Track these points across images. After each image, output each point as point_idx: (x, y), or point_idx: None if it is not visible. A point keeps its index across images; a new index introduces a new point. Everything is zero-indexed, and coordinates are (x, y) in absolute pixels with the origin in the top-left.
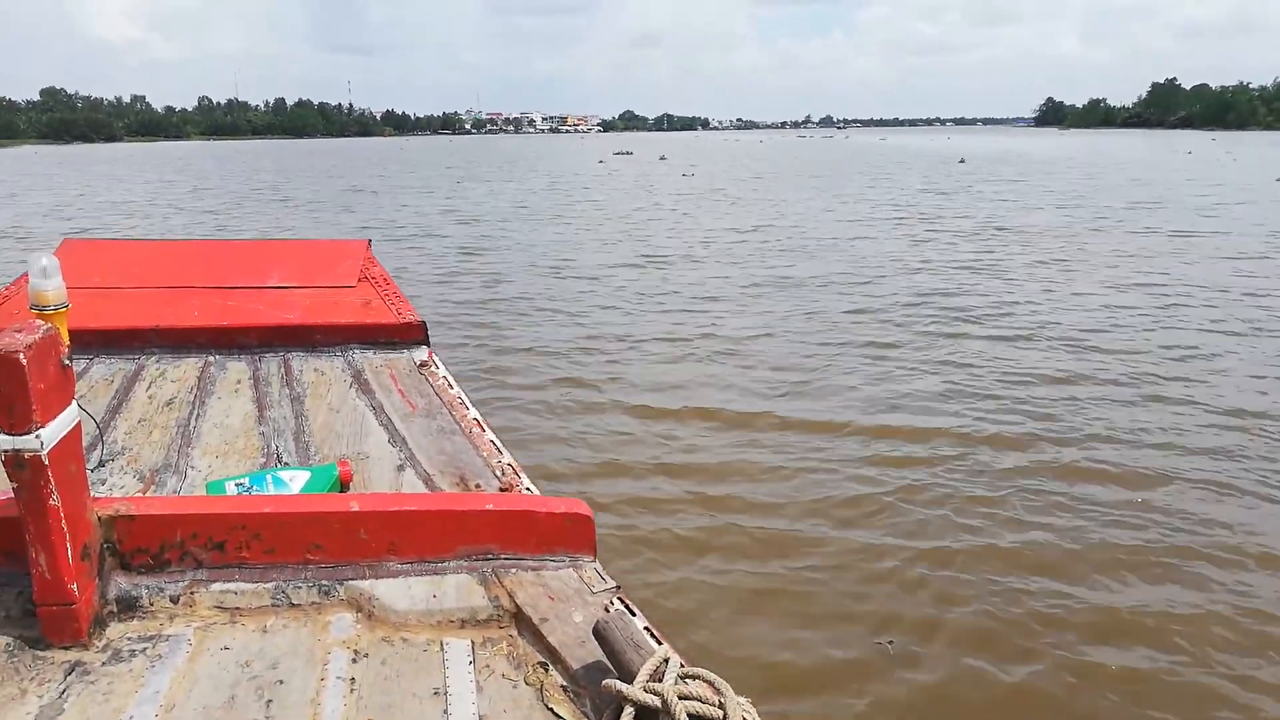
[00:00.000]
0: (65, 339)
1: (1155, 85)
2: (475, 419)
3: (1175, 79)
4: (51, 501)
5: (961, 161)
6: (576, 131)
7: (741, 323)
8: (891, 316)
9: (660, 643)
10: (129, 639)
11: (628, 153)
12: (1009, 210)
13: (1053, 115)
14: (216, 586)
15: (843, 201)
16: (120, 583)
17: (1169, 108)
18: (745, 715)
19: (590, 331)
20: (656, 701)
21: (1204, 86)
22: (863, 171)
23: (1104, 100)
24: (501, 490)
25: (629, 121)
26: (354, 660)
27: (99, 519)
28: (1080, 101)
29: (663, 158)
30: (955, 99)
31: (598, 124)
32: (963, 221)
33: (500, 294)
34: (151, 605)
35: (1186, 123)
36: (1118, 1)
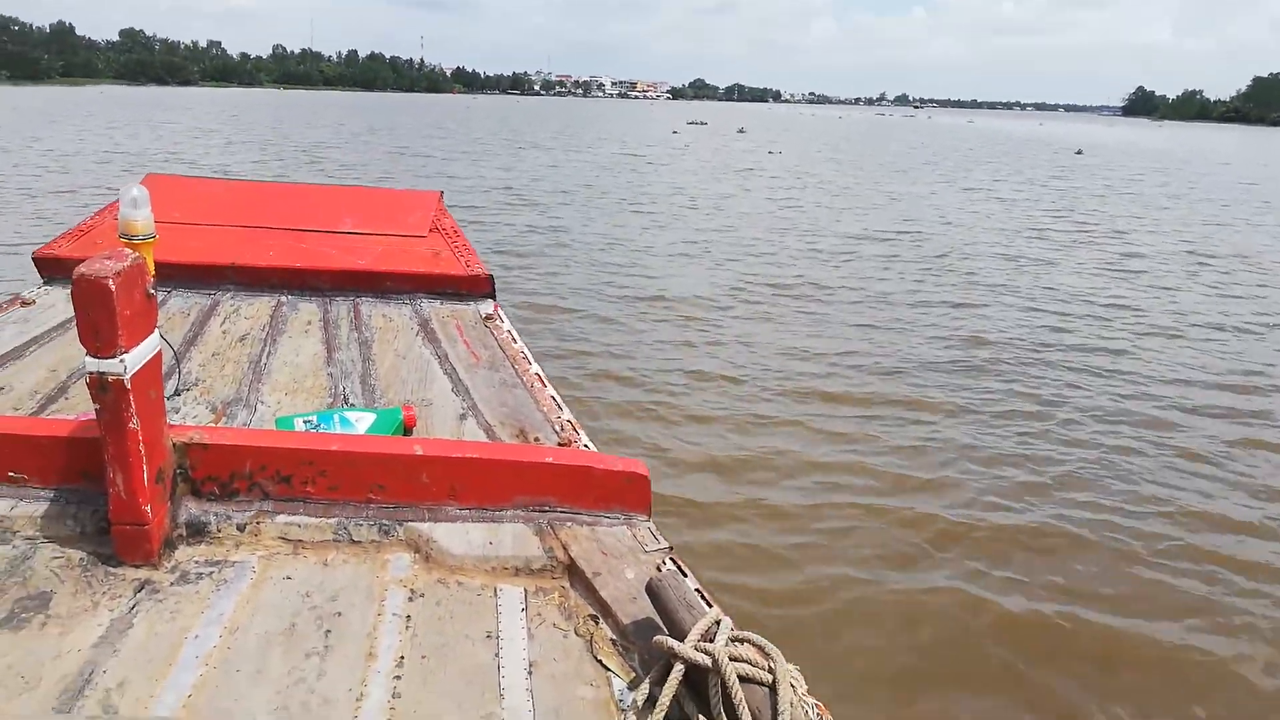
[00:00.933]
0: (151, 269)
1: (1258, 79)
2: (537, 374)
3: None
4: (131, 425)
5: (1079, 153)
6: (645, 97)
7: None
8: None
9: (711, 605)
10: (196, 562)
11: (702, 123)
12: (1200, 225)
13: (1142, 105)
14: (281, 518)
15: (975, 198)
16: (190, 508)
17: (1272, 103)
18: (794, 682)
19: (704, 442)
20: (707, 661)
21: None
22: (970, 158)
23: (1200, 92)
24: (560, 445)
25: (699, 90)
26: (410, 599)
27: (173, 445)
28: (1169, 92)
29: (741, 130)
30: (1035, 83)
31: (667, 91)
32: (1157, 239)
33: (553, 328)
34: (219, 532)
35: None
36: None
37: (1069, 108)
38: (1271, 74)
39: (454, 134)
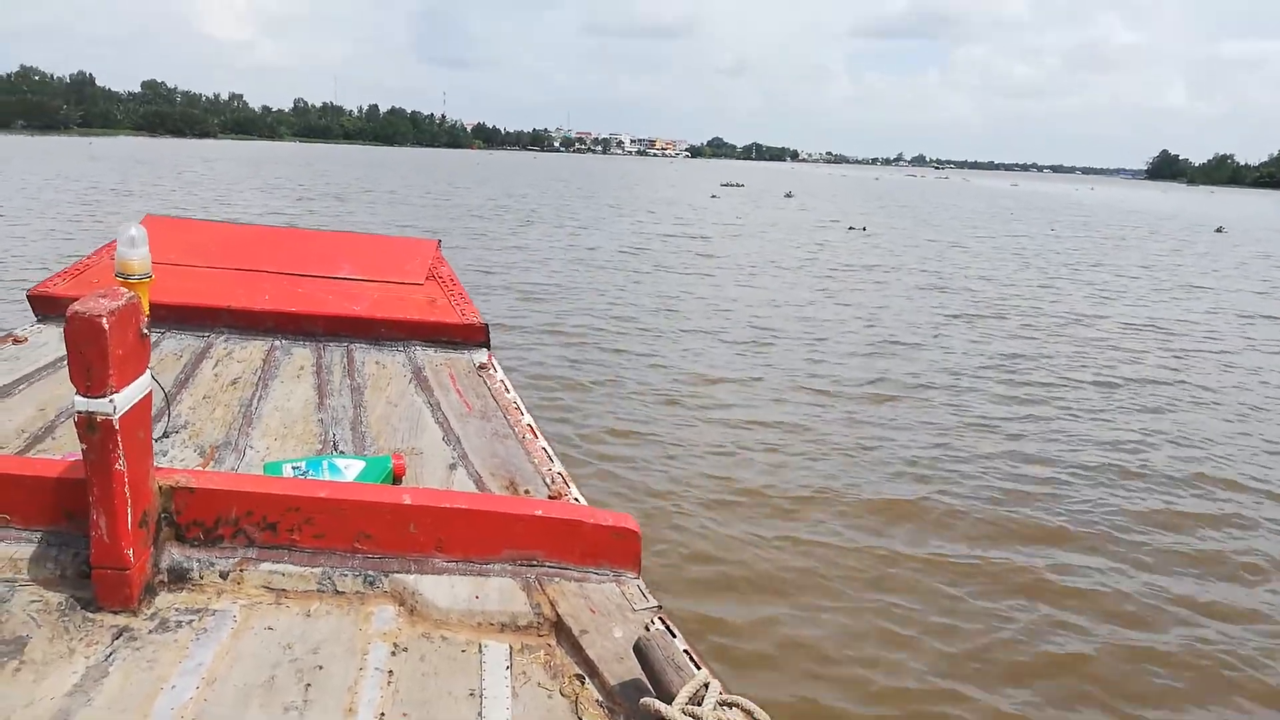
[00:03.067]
0: (146, 309)
1: None
2: (529, 425)
3: None
4: (118, 466)
5: (1220, 231)
6: (665, 155)
7: None
8: None
9: (700, 667)
10: (177, 610)
11: (738, 184)
12: None
13: (1166, 168)
14: (265, 566)
15: (1191, 308)
16: (173, 553)
17: None
18: None
19: None
20: None
21: None
22: (1079, 236)
23: (1232, 156)
24: (551, 498)
25: (717, 148)
26: (393, 653)
27: (159, 488)
28: (1189, 155)
29: (789, 195)
30: (1049, 145)
31: (685, 149)
32: None
33: None
34: (201, 578)
35: None
36: (1225, 51)
37: (1086, 170)
38: None
39: (449, 199)
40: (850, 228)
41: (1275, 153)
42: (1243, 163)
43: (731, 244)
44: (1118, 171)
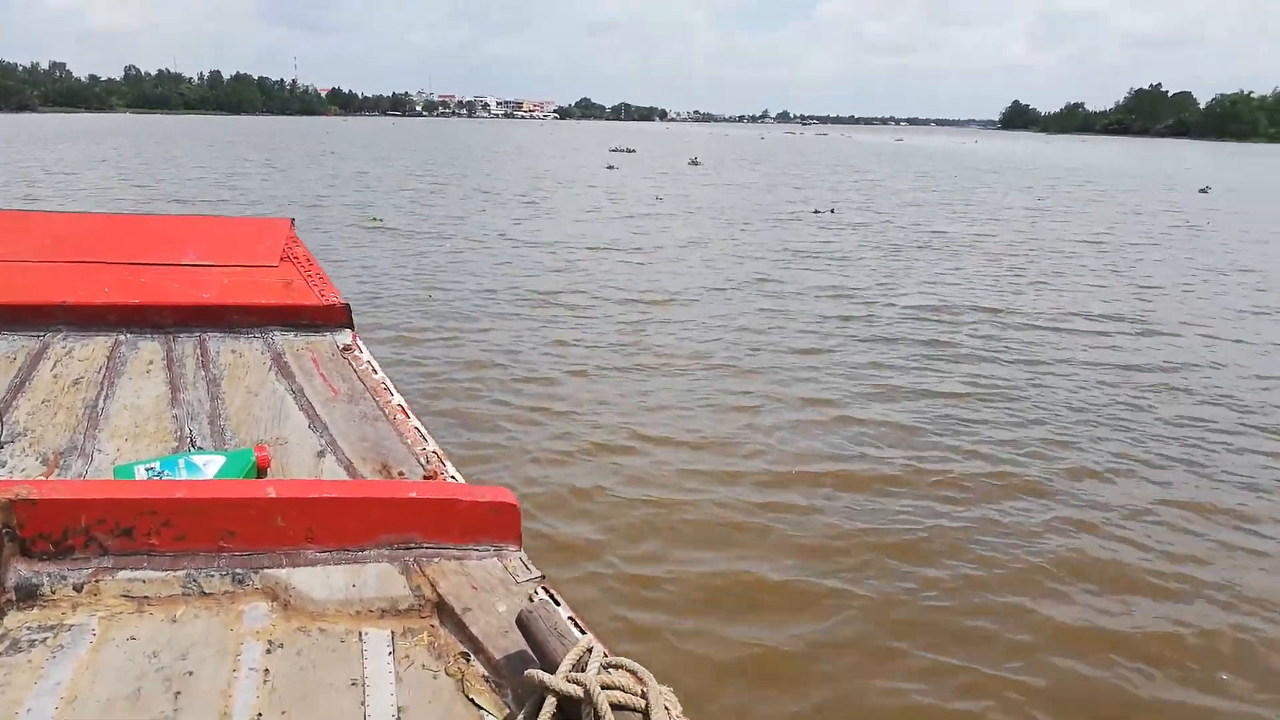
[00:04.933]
0: None
1: (1139, 91)
2: (399, 405)
3: (1160, 84)
4: None
5: (1204, 191)
6: (532, 117)
7: None
8: None
9: (584, 632)
10: (28, 629)
11: (629, 150)
12: None
13: (1018, 119)
14: (123, 574)
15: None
16: (20, 570)
17: (1153, 115)
18: (668, 705)
19: None
20: (579, 691)
21: (1186, 94)
22: (1082, 209)
23: (1082, 105)
24: (425, 478)
25: (586, 109)
26: (268, 651)
27: None
28: (1036, 105)
29: (695, 162)
30: (907, 100)
31: (554, 110)
32: None
33: None
34: (53, 594)
35: (1177, 132)
36: (1065, 5)
37: (940, 122)
38: (1152, 85)
39: (252, 190)
40: (816, 210)
41: (1120, 100)
42: (1092, 110)
43: (701, 274)
44: (968, 123)
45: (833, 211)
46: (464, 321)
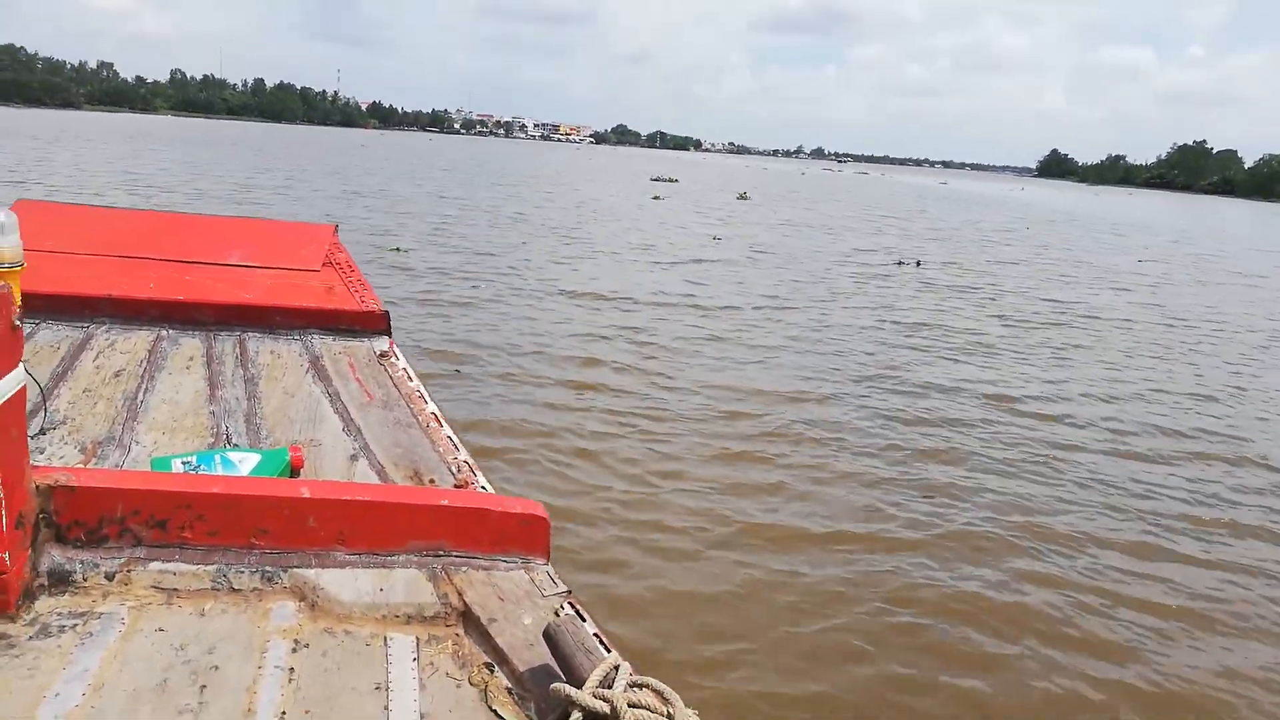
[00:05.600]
0: (17, 299)
1: (1183, 147)
2: (433, 413)
3: (1205, 141)
4: None
5: None
6: (569, 141)
7: None
8: None
9: (610, 650)
10: (59, 614)
11: (671, 180)
12: None
13: (1055, 167)
14: (155, 566)
15: None
16: (54, 555)
17: (1197, 171)
18: None
19: None
20: (605, 708)
21: (1231, 152)
22: (1128, 252)
23: (1124, 157)
24: (456, 487)
25: (621, 135)
26: (294, 650)
27: (35, 488)
28: (1073, 155)
29: (744, 196)
30: (940, 143)
31: (590, 135)
32: None
33: None
34: (85, 581)
35: (1221, 190)
36: (1104, 58)
37: (975, 166)
38: (1196, 142)
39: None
40: (900, 262)
41: (1163, 155)
42: (1133, 163)
43: (799, 354)
44: (1004, 169)
45: (919, 265)
46: (498, 412)
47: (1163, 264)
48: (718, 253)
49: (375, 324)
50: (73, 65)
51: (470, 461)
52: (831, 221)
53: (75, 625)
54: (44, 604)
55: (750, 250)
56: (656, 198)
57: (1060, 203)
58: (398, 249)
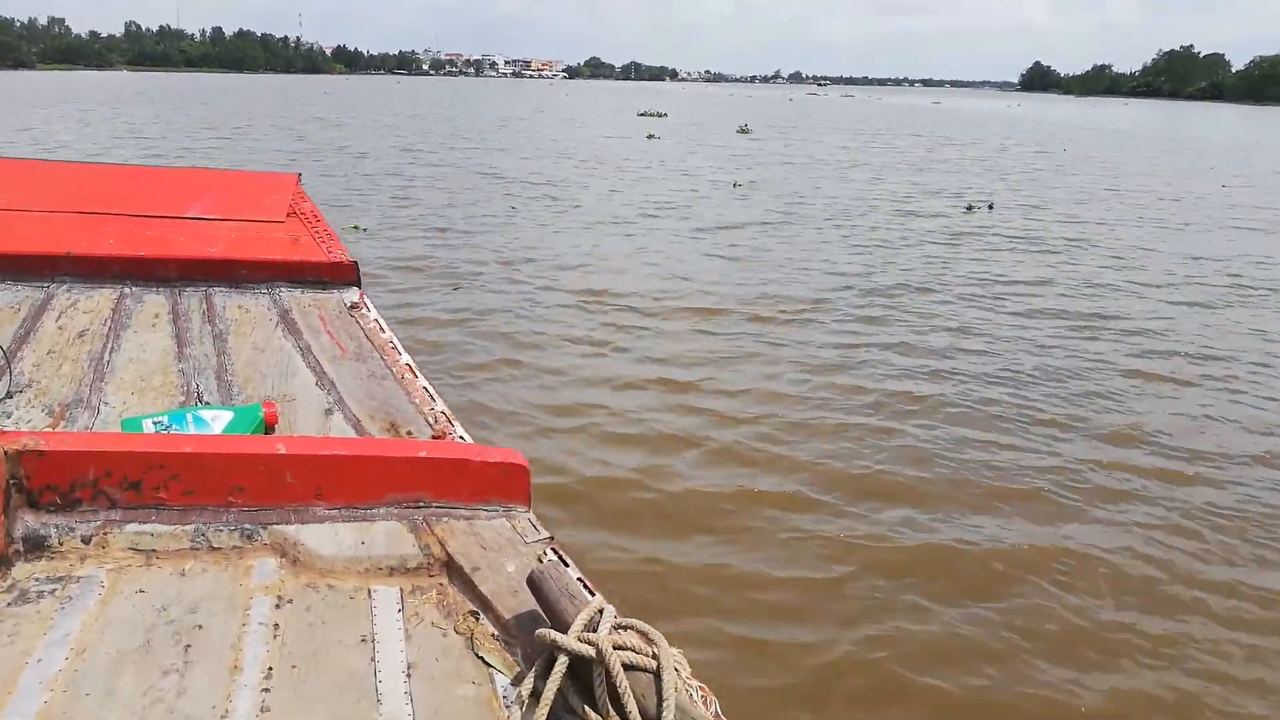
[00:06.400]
0: None
1: (1170, 53)
2: (407, 364)
3: (1192, 46)
4: None
5: None
6: (541, 76)
7: None
8: None
9: (594, 594)
10: (36, 579)
11: (660, 114)
12: None
13: (1039, 81)
14: (131, 528)
15: None
16: (28, 521)
17: (1184, 78)
18: (678, 666)
19: None
20: (590, 651)
21: (1219, 56)
22: (1211, 174)
23: (1109, 66)
24: (434, 438)
25: (595, 69)
26: (277, 606)
27: (4, 454)
28: (1055, 67)
29: (745, 129)
30: (920, 61)
31: (563, 70)
32: None
33: None
34: (61, 545)
35: (1210, 95)
36: None
37: (955, 84)
38: (1183, 47)
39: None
40: (970, 207)
41: (1149, 62)
42: (1119, 72)
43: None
44: (984, 84)
45: (991, 209)
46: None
47: (1246, 184)
48: (747, 210)
49: (344, 275)
50: (23, 22)
51: (447, 412)
52: (854, 156)
53: (54, 590)
54: (21, 570)
55: (784, 203)
56: (651, 136)
57: (1065, 116)
58: (357, 227)
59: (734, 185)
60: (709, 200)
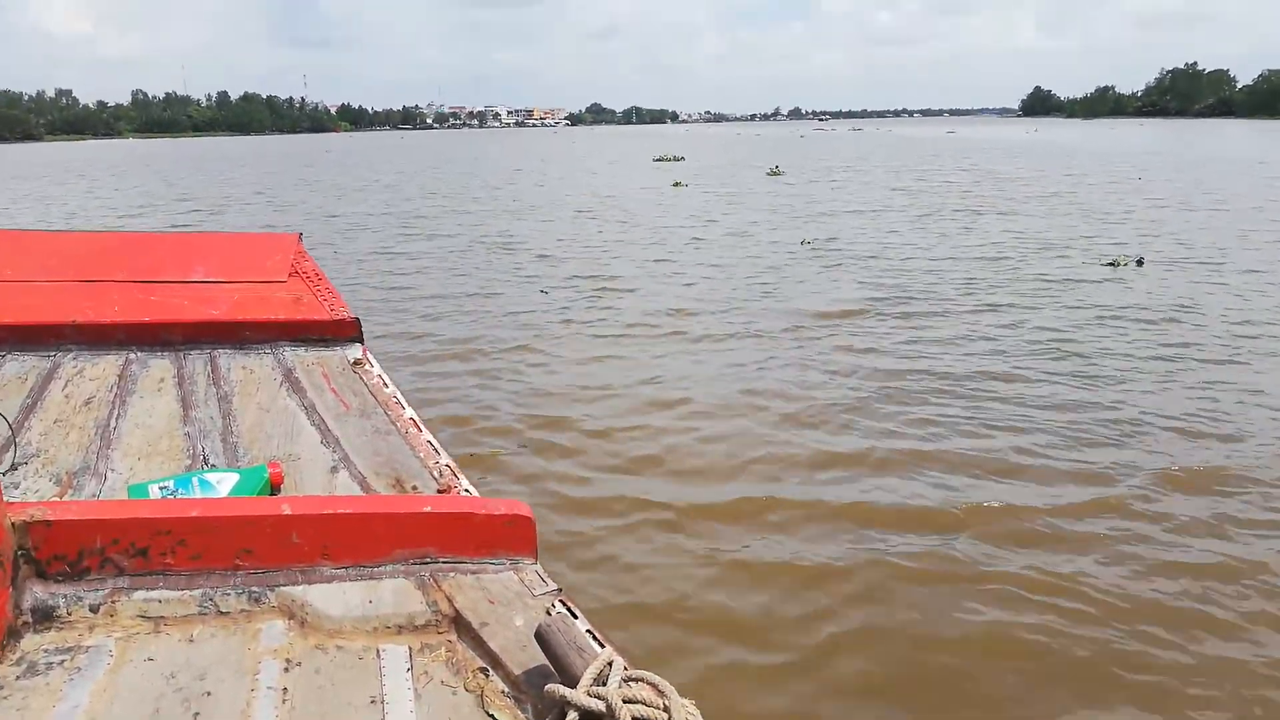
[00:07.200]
0: None
1: (1174, 71)
2: (411, 418)
3: (1195, 64)
4: None
5: None
6: (544, 125)
7: None
8: None
9: (603, 645)
10: (45, 651)
11: (677, 158)
12: None
13: (1040, 105)
14: (139, 595)
15: None
16: (36, 592)
17: (1189, 96)
18: (690, 716)
19: None
20: (600, 706)
21: (1223, 72)
22: None
23: (1113, 88)
24: (440, 492)
25: (597, 114)
26: (286, 670)
27: (12, 525)
28: (1055, 90)
29: (776, 171)
30: (917, 91)
31: (565, 117)
32: None
33: None
34: (70, 615)
35: (1220, 111)
36: None
37: (954, 112)
38: (1186, 65)
39: None
40: (1113, 263)
41: (1151, 82)
42: (1123, 93)
43: None
44: (982, 111)
45: (1140, 264)
46: None
47: None
48: (837, 283)
49: (347, 332)
50: (31, 96)
51: (452, 465)
52: (914, 199)
53: (63, 661)
54: (29, 642)
55: (880, 270)
56: (678, 184)
57: (1095, 141)
58: None
59: (802, 243)
60: (785, 271)
